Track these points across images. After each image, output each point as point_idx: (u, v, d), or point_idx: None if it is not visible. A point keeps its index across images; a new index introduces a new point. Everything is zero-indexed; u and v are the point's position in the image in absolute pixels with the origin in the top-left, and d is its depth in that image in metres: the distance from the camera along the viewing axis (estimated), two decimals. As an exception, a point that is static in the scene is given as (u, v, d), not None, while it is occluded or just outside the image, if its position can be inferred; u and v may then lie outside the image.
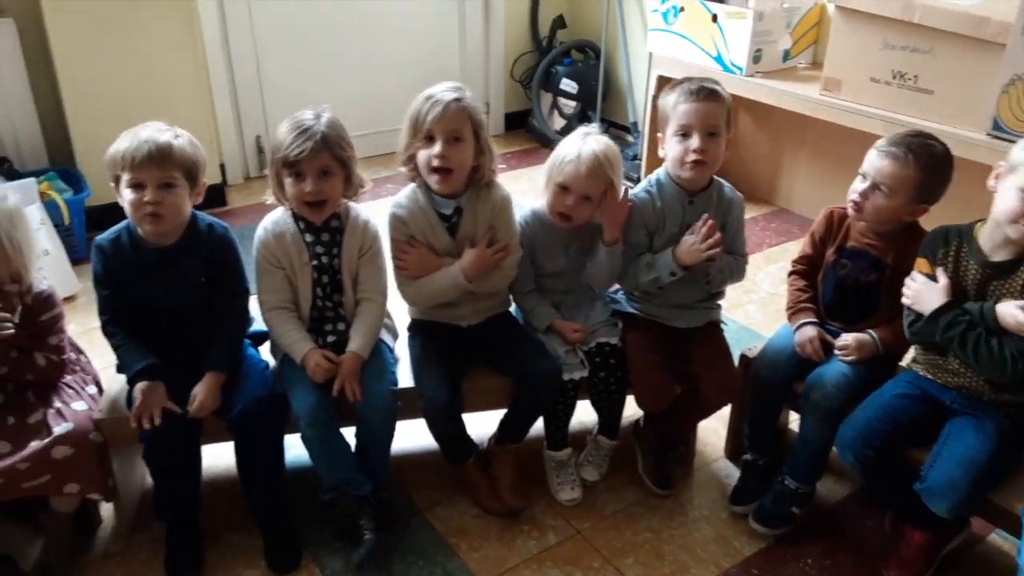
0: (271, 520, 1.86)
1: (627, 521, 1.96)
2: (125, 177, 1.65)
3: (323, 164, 1.73)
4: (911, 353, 1.88)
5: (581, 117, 4.27)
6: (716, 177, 1.96)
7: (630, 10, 4.17)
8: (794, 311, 1.97)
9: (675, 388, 1.94)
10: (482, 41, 4.38)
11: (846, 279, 1.90)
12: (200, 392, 1.72)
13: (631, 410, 2.05)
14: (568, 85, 4.26)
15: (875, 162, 1.79)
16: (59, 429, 1.67)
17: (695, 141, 1.83)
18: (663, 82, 3.59)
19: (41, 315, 1.72)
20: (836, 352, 1.87)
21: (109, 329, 1.73)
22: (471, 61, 4.39)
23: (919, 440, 1.73)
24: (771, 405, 1.98)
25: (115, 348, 1.73)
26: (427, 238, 1.88)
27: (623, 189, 1.92)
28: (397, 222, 1.87)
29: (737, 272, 1.97)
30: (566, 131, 4.32)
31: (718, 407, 2.01)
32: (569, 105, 4.33)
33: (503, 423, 1.99)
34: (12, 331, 1.62)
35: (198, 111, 3.40)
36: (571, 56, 4.39)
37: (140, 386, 1.68)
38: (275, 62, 3.77)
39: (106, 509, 1.93)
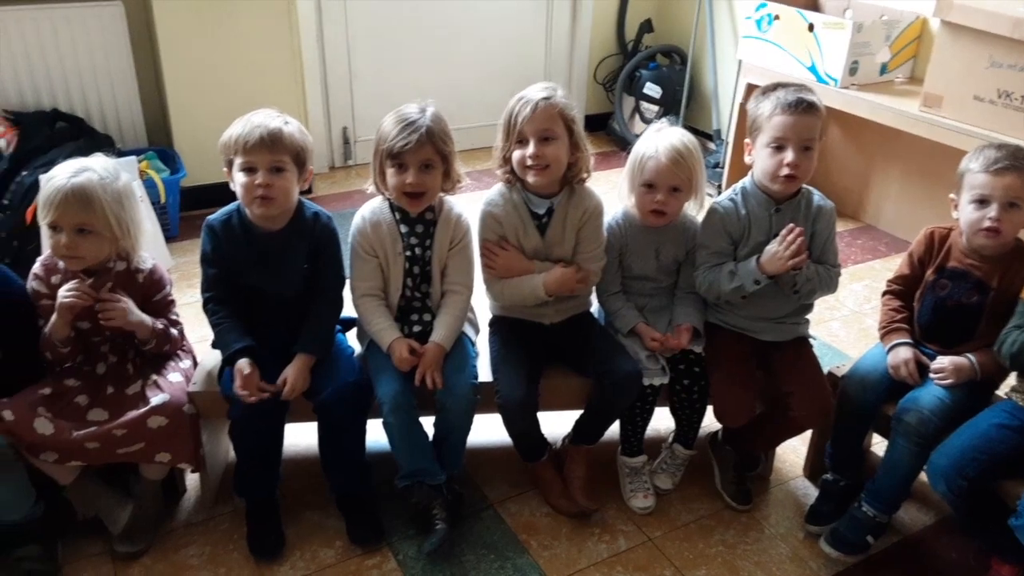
0: (353, 500, 1.90)
1: (700, 533, 1.93)
2: (237, 161, 1.71)
3: (426, 157, 1.75)
4: (1010, 381, 1.80)
5: (663, 122, 4.22)
6: (805, 185, 1.91)
7: (720, 16, 4.11)
8: (888, 331, 1.91)
9: (757, 404, 1.90)
10: (567, 42, 4.38)
11: (946, 300, 1.83)
12: (291, 374, 1.76)
13: (708, 420, 2.02)
14: (652, 89, 4.23)
15: (993, 182, 1.71)
16: (155, 400, 1.74)
17: (789, 155, 1.79)
18: (752, 90, 3.53)
19: (154, 295, 1.79)
20: (931, 375, 1.80)
21: (211, 307, 1.79)
22: (555, 62, 4.40)
23: (1016, 473, 1.66)
24: (858, 427, 1.92)
25: (215, 325, 1.78)
26: (518, 236, 1.89)
27: (705, 191, 1.90)
28: (490, 219, 1.89)
29: (828, 282, 1.91)
30: (647, 136, 4.31)
31: (809, 428, 1.96)
32: (651, 109, 4.29)
33: (578, 424, 1.98)
34: (84, 302, 1.67)
35: (290, 101, 3.49)
36: (656, 60, 4.35)
37: (241, 363, 1.72)
38: (365, 57, 3.85)
39: (190, 480, 2.00)
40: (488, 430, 1.98)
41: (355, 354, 1.93)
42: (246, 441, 1.80)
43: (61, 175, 1.66)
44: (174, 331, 1.85)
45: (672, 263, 1.96)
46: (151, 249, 2.69)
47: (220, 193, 3.64)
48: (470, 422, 1.86)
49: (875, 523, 1.85)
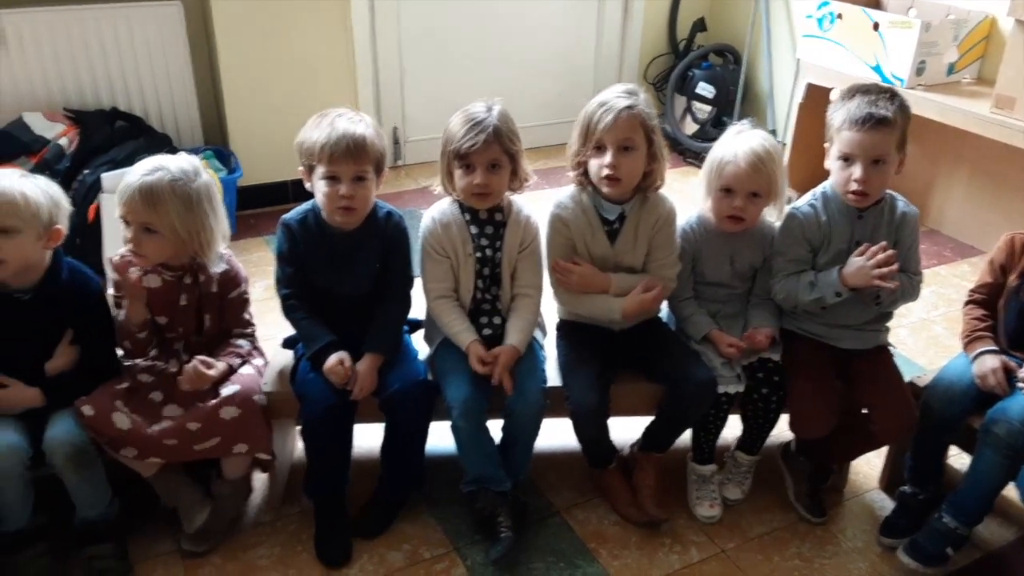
0: (400, 502, 1.90)
1: (774, 545, 1.88)
2: (320, 169, 1.70)
3: (493, 157, 1.73)
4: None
5: (715, 123, 4.17)
6: (888, 191, 1.85)
7: (777, 15, 4.03)
8: (971, 339, 1.84)
9: (835, 416, 1.85)
10: (618, 41, 4.33)
11: (1034, 307, 1.76)
12: (361, 373, 1.74)
13: (778, 428, 1.96)
14: (705, 89, 4.16)
15: None
16: (226, 391, 1.73)
17: (857, 171, 1.73)
18: (812, 90, 3.46)
19: (229, 293, 1.79)
20: (1020, 384, 1.73)
21: (291, 303, 1.78)
22: (605, 60, 4.35)
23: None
24: (941, 439, 1.86)
25: (296, 321, 1.78)
26: (586, 241, 1.85)
27: (785, 196, 1.85)
28: (558, 222, 1.86)
29: (910, 292, 1.85)
30: (698, 136, 4.25)
31: (892, 443, 1.90)
32: (704, 110, 4.23)
33: (649, 431, 1.94)
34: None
35: (342, 101, 3.44)
36: (709, 60, 4.28)
37: (340, 355, 1.73)
38: (416, 56, 3.84)
39: (257, 480, 1.99)
40: (552, 435, 1.95)
41: (421, 357, 1.91)
42: (317, 441, 1.79)
43: (137, 172, 1.66)
44: (250, 330, 1.85)
45: (748, 270, 1.91)
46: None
47: (275, 193, 3.67)
48: (538, 427, 1.83)
49: (956, 535, 1.78)
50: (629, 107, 1.73)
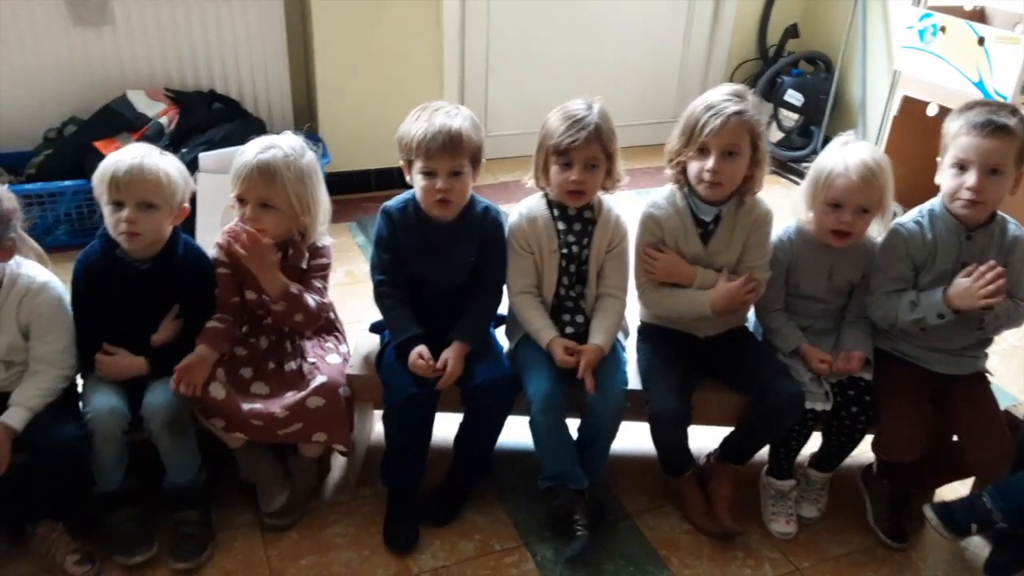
0: (467, 490, 1.92)
1: (852, 567, 1.83)
2: (418, 164, 1.73)
3: (592, 155, 1.73)
4: None
5: (803, 131, 4.08)
6: (1000, 212, 1.78)
7: (874, 24, 3.91)
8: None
9: (926, 441, 1.78)
10: (706, 44, 4.27)
11: None
12: (451, 360, 1.76)
13: (857, 449, 1.91)
14: (793, 97, 4.07)
15: None
16: (315, 382, 1.77)
17: (971, 178, 1.67)
18: (908, 103, 3.35)
19: (313, 259, 1.83)
20: None
21: (384, 290, 1.81)
22: (692, 64, 4.29)
23: None
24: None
25: (387, 309, 1.81)
26: (678, 242, 1.84)
27: (891, 211, 1.80)
28: (651, 222, 1.84)
29: (1016, 318, 1.77)
30: (783, 144, 4.16)
31: (984, 475, 1.82)
32: (791, 118, 4.13)
33: (728, 442, 1.91)
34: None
35: (428, 94, 3.48)
36: (799, 67, 4.18)
37: (421, 348, 1.75)
38: (502, 53, 3.85)
39: (335, 460, 2.03)
40: (626, 438, 1.93)
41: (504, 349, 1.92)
42: (399, 428, 1.81)
43: (251, 151, 1.72)
44: (311, 301, 1.83)
45: (845, 285, 1.86)
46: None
47: (359, 180, 3.74)
48: (617, 428, 1.82)
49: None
50: (738, 112, 1.70)
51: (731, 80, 4.38)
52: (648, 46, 4.16)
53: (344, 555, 1.80)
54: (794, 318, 1.89)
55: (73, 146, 2.92)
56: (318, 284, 1.84)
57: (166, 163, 1.71)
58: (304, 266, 1.81)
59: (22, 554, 1.73)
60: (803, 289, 1.87)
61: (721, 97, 1.73)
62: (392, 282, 1.81)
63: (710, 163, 1.72)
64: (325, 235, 1.85)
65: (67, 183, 2.84)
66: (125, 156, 1.67)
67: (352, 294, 2.64)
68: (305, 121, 3.49)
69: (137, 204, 1.65)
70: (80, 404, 1.73)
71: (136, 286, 1.73)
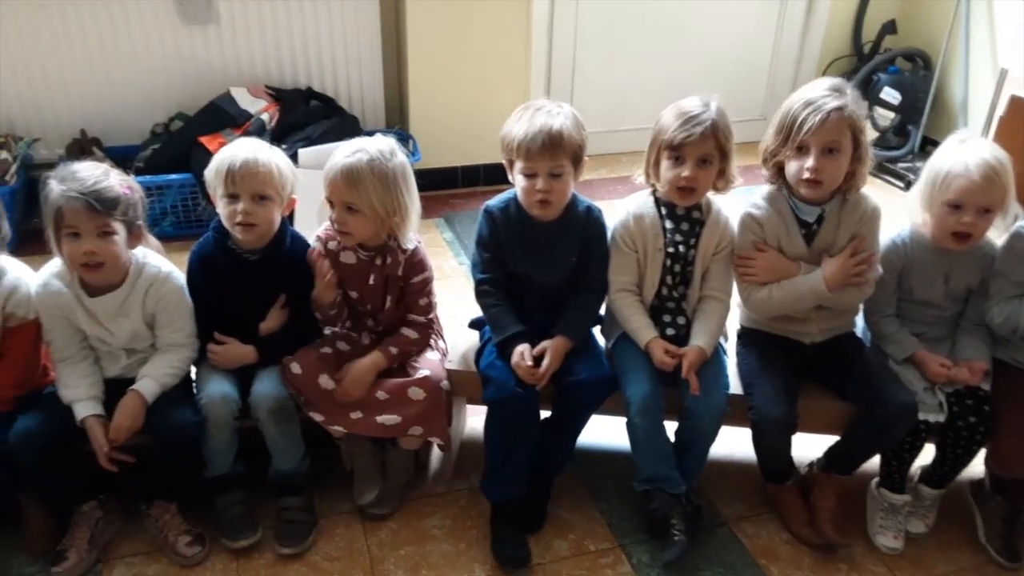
0: (548, 491, 1.91)
1: (962, 586, 1.77)
2: (519, 164, 1.73)
3: (705, 152, 1.70)
4: None
5: (898, 131, 3.94)
6: None
7: (978, 20, 3.73)
8: None
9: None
10: (798, 40, 4.16)
11: None
12: (550, 353, 1.75)
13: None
14: (890, 95, 3.93)
15: None
16: (418, 373, 1.81)
17: None
18: (1016, 103, 3.19)
19: (412, 277, 1.84)
20: None
21: (485, 288, 1.82)
22: (783, 60, 4.19)
23: None
24: None
25: (489, 307, 1.82)
26: (780, 243, 1.79)
27: (1014, 211, 1.72)
28: (752, 222, 1.80)
29: None
30: (879, 143, 4.02)
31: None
32: (886, 116, 3.99)
33: (833, 451, 1.86)
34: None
35: (515, 96, 3.53)
36: (896, 64, 4.04)
37: (524, 347, 1.75)
38: (589, 52, 3.83)
39: (429, 453, 2.06)
40: (723, 443, 1.90)
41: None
42: (502, 427, 1.79)
43: (339, 154, 1.75)
44: (426, 318, 1.88)
45: (962, 291, 1.79)
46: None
47: (445, 177, 3.77)
48: (717, 433, 1.79)
49: None
50: (839, 108, 1.65)
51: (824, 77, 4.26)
52: (738, 42, 4.07)
53: (441, 547, 1.83)
54: (906, 325, 1.82)
55: (179, 141, 3.04)
56: (422, 302, 1.86)
57: (276, 156, 1.77)
58: (400, 273, 1.83)
59: (136, 532, 1.81)
60: (917, 294, 1.80)
61: (820, 92, 1.68)
62: (493, 280, 1.81)
63: (810, 162, 1.67)
64: (420, 244, 1.87)
65: (173, 176, 2.96)
66: (239, 150, 1.72)
67: (441, 289, 2.65)
68: (395, 118, 3.56)
69: (251, 196, 1.70)
70: (194, 390, 1.79)
71: (246, 276, 1.79)
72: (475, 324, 1.96)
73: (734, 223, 1.83)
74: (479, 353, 1.88)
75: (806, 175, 1.68)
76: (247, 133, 2.96)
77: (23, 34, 2.99)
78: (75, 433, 1.66)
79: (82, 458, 1.70)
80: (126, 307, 1.69)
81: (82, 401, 1.67)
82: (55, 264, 1.69)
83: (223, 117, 3.04)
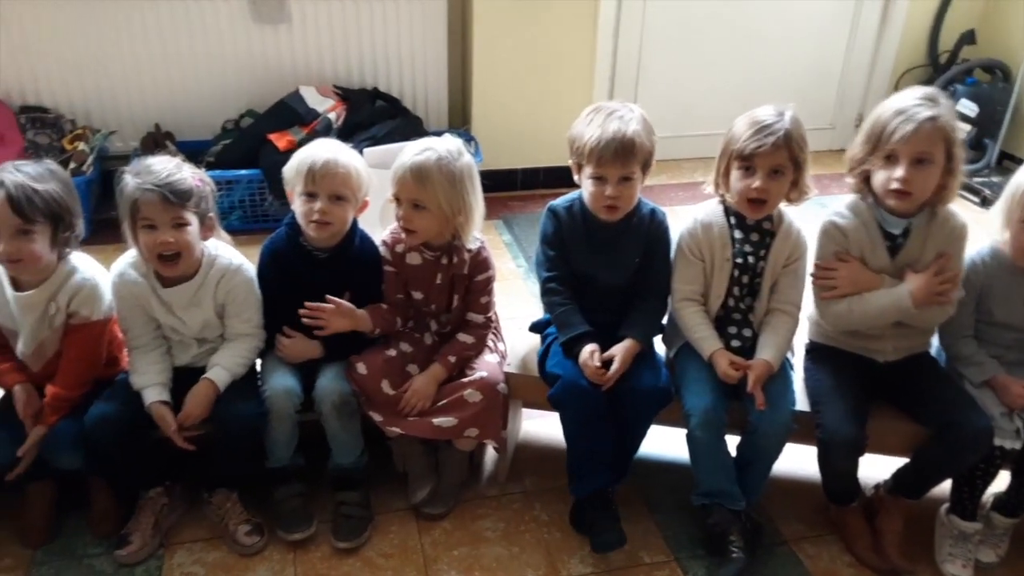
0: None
1: (1036, 621, 1.69)
2: (588, 168, 1.72)
3: (778, 162, 1.67)
4: None
5: (975, 144, 3.80)
6: None
7: (1066, 30, 3.59)
8: None
9: None
10: (871, 49, 4.05)
11: None
12: (620, 356, 1.73)
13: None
14: (967, 107, 3.80)
15: None
16: (475, 375, 1.81)
17: None
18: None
19: (477, 275, 1.86)
20: None
21: (552, 286, 1.81)
22: (854, 69, 4.08)
23: None
24: None
25: (555, 305, 1.80)
26: (864, 255, 1.74)
27: None
28: (835, 231, 1.75)
29: None
30: (952, 158, 3.89)
31: None
32: (962, 129, 3.81)
33: (902, 474, 1.80)
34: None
35: (577, 100, 3.49)
36: (974, 75, 3.90)
37: (593, 347, 1.74)
38: (655, 57, 3.79)
39: (483, 454, 2.06)
40: (784, 460, 1.84)
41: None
42: (578, 423, 1.77)
43: (408, 152, 1.76)
44: (485, 316, 1.89)
45: (1049, 313, 1.71)
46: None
47: (505, 179, 3.78)
48: (781, 450, 1.75)
49: None
50: (932, 118, 1.59)
51: (897, 87, 4.14)
52: (808, 49, 3.98)
53: (494, 549, 1.82)
54: (984, 347, 1.75)
55: (249, 137, 3.11)
56: (483, 300, 1.88)
57: (355, 158, 1.79)
58: (465, 271, 1.84)
59: (198, 519, 1.85)
60: (996, 316, 1.73)
61: (913, 101, 1.62)
62: (559, 278, 1.80)
63: (899, 171, 1.61)
64: (484, 243, 1.87)
65: (242, 172, 3.03)
66: (320, 150, 1.75)
67: (499, 291, 2.64)
68: (458, 120, 3.58)
69: (329, 196, 1.73)
70: (258, 382, 1.82)
71: (315, 273, 1.81)
72: (536, 327, 1.95)
73: (806, 234, 1.78)
74: (542, 356, 1.86)
75: (894, 185, 1.63)
76: (314, 132, 3.01)
77: (103, 30, 3.09)
78: (145, 420, 1.71)
79: (151, 445, 1.75)
80: (198, 297, 1.73)
81: (151, 387, 1.71)
82: (131, 254, 1.74)
83: (292, 115, 3.09)
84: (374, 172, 2.98)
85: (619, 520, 1.78)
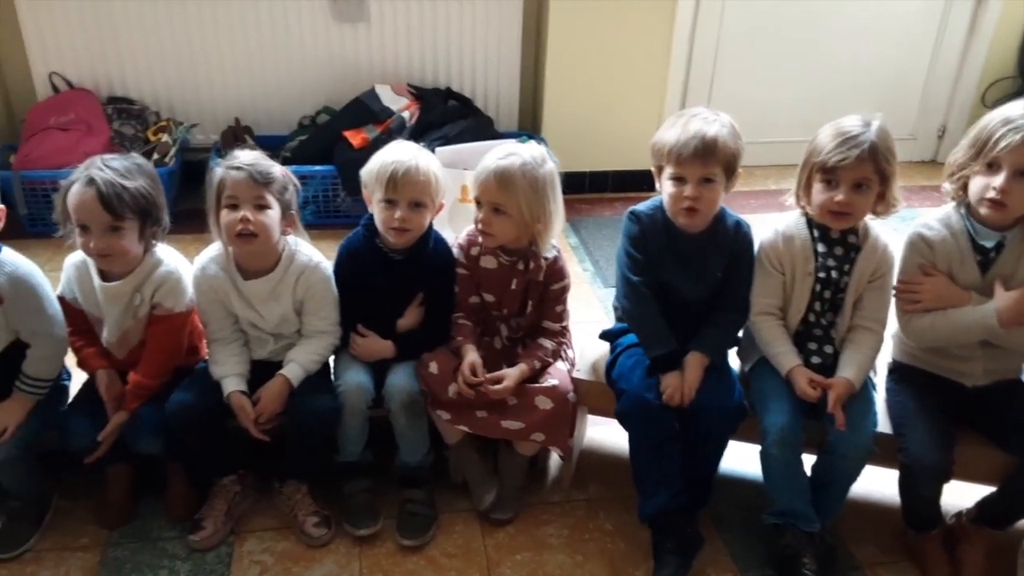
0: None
1: None
2: (668, 170, 1.69)
3: (862, 175, 1.61)
4: None
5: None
6: None
7: None
8: None
9: None
10: (957, 58, 3.91)
11: None
12: (689, 375, 1.71)
13: None
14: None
15: None
16: (547, 382, 1.80)
17: None
18: None
19: (553, 283, 1.85)
20: None
21: (643, 292, 1.75)
22: (938, 77, 3.95)
23: None
24: None
25: (642, 315, 1.76)
26: (951, 268, 1.67)
27: None
28: (922, 243, 1.69)
29: None
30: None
31: None
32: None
33: (988, 503, 1.73)
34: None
35: (649, 104, 3.52)
36: (1069, 89, 3.73)
37: (679, 374, 1.71)
38: (730, 61, 3.73)
39: (547, 460, 2.06)
40: (861, 482, 1.78)
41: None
42: (639, 439, 1.75)
43: (493, 156, 1.76)
44: (560, 325, 1.89)
45: None
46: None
47: (572, 182, 3.76)
48: (860, 472, 1.70)
49: None
50: None
51: (983, 99, 3.99)
52: (891, 55, 3.86)
53: (558, 557, 1.81)
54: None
55: (324, 133, 3.16)
56: (558, 309, 1.87)
57: (433, 163, 1.80)
58: (541, 278, 1.83)
59: (268, 509, 1.89)
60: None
61: (1020, 111, 1.56)
62: (647, 283, 1.75)
63: (998, 180, 1.55)
64: (560, 251, 1.86)
65: (317, 167, 3.07)
66: (401, 156, 1.76)
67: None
68: (528, 121, 3.57)
69: (409, 203, 1.74)
70: (332, 377, 1.85)
71: (389, 274, 1.83)
72: (607, 335, 1.93)
73: (893, 248, 1.72)
74: (610, 365, 1.85)
75: (991, 194, 1.57)
76: (388, 130, 3.05)
77: (190, 26, 3.19)
78: (223, 409, 1.75)
79: (227, 433, 1.79)
80: (277, 292, 1.77)
81: (230, 377, 1.75)
82: (214, 248, 1.77)
83: (366, 113, 3.13)
84: (446, 171, 3.00)
85: (689, 552, 1.74)
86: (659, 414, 1.70)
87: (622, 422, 1.76)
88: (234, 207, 1.66)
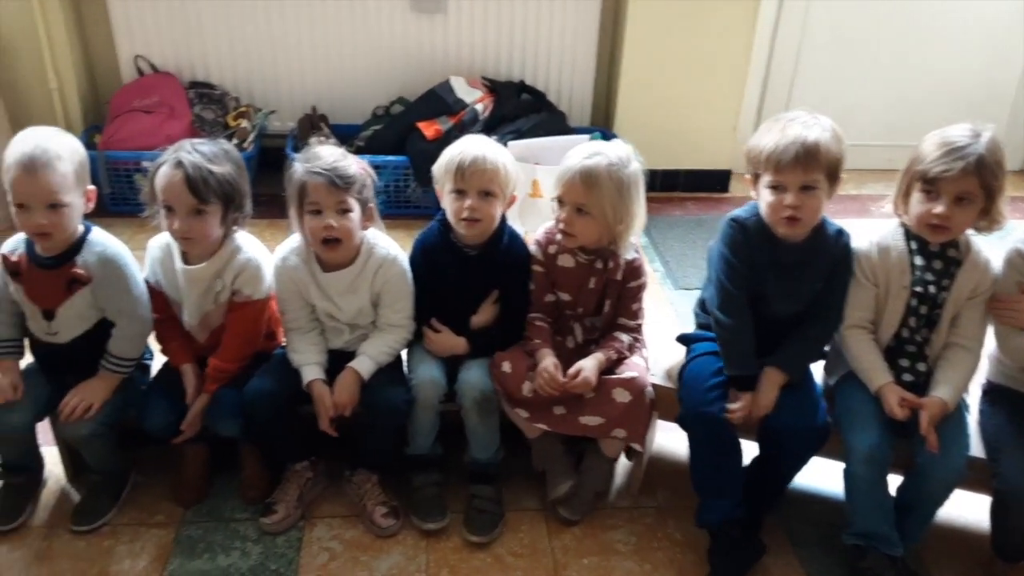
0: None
1: None
2: (766, 177, 1.62)
3: (965, 189, 1.54)
4: None
5: None
6: None
7: None
8: None
9: None
10: (1053, 65, 3.72)
11: None
12: (762, 393, 1.66)
13: None
14: None
15: None
16: (625, 374, 1.77)
17: None
18: None
19: (630, 281, 1.82)
20: None
21: (741, 304, 1.70)
22: (1031, 85, 3.77)
23: None
24: None
25: (734, 329, 1.69)
26: None
27: None
28: (1019, 260, 1.62)
29: None
30: None
31: None
32: None
33: (1087, 537, 1.64)
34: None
35: (726, 103, 3.46)
36: None
37: (743, 400, 1.67)
38: (812, 63, 3.62)
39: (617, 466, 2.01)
40: (947, 505, 1.71)
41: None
42: (700, 446, 1.72)
43: (577, 156, 1.73)
44: (636, 322, 1.86)
45: None
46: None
47: (650, 179, 3.70)
48: (949, 496, 1.62)
49: None
50: None
51: (1080, 107, 3.78)
52: (980, 59, 3.69)
53: (625, 564, 1.78)
54: None
55: (398, 124, 3.17)
56: (634, 307, 1.84)
57: (503, 154, 1.78)
58: (619, 277, 1.80)
59: (338, 496, 1.90)
60: None
61: None
62: (742, 295, 1.69)
63: None
64: (638, 247, 1.83)
65: (390, 158, 3.09)
66: (468, 147, 1.74)
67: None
68: (600, 117, 3.53)
69: (478, 192, 1.72)
70: (405, 370, 1.85)
71: (464, 270, 1.82)
72: (684, 339, 1.88)
73: (996, 264, 1.64)
74: (683, 369, 1.80)
75: None
76: (461, 122, 3.04)
77: (271, 15, 3.23)
78: (299, 395, 1.76)
79: (302, 419, 1.81)
80: (355, 284, 1.77)
81: (309, 365, 1.77)
82: (294, 240, 1.79)
83: (440, 105, 3.13)
84: (518, 165, 2.98)
85: (745, 562, 1.71)
86: (720, 427, 1.66)
87: (683, 427, 1.73)
88: (317, 212, 1.67)
